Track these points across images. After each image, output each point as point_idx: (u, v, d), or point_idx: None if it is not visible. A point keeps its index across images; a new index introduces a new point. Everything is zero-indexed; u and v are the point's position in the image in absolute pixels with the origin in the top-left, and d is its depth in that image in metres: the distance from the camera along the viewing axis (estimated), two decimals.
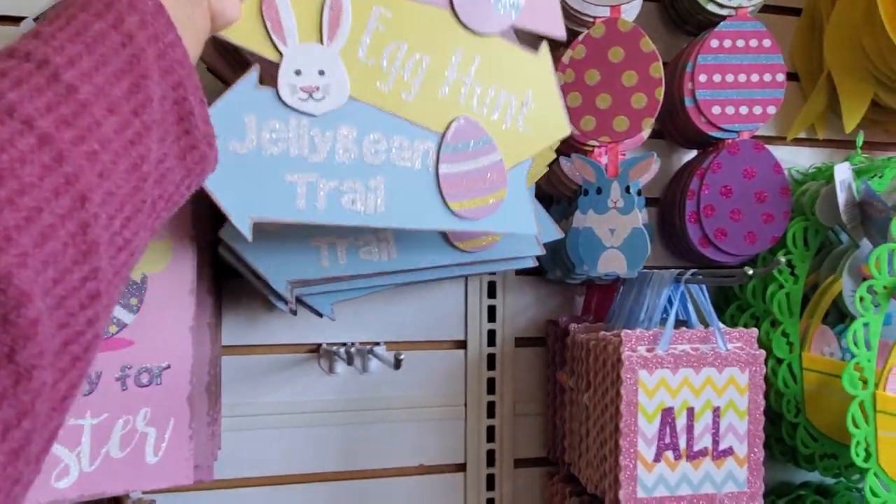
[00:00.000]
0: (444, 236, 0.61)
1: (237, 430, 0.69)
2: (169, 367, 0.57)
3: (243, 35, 0.49)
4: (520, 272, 0.76)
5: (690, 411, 0.62)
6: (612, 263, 0.67)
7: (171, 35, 0.36)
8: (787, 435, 0.73)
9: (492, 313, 0.76)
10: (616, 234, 0.67)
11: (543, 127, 0.57)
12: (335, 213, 0.53)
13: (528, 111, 0.57)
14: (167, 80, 0.36)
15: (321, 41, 0.51)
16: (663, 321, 0.64)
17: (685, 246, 0.74)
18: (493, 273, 0.75)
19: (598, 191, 0.67)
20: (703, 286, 0.64)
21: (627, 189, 0.66)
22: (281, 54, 0.50)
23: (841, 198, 0.70)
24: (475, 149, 0.56)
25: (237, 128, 0.51)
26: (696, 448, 0.62)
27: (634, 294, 0.68)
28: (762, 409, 0.63)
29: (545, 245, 0.65)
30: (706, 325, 0.64)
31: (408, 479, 0.74)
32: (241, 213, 0.51)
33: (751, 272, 0.55)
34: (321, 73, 0.51)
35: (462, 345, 0.75)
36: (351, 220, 0.53)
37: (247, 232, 0.51)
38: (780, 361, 0.72)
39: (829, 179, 0.71)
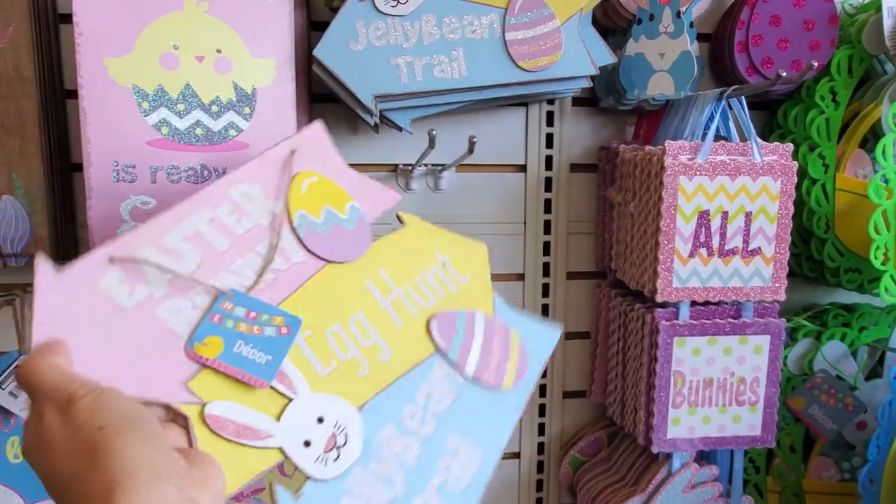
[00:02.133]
0: (510, 57, 0.69)
1: None
2: None
3: None
4: (575, 102, 0.84)
5: (725, 214, 0.70)
6: (660, 86, 0.73)
7: None
8: (816, 250, 0.81)
9: (549, 141, 0.84)
10: (665, 57, 0.73)
11: None
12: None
13: None
14: None
15: None
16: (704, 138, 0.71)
17: (733, 76, 0.80)
18: (552, 102, 0.83)
19: (651, 17, 0.72)
20: (744, 103, 0.70)
21: (678, 14, 0.72)
22: None
23: (888, 24, 0.73)
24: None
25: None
26: (727, 247, 0.71)
27: (680, 115, 0.74)
28: (791, 215, 0.70)
29: (601, 74, 0.71)
30: (745, 141, 0.71)
31: None
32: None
33: (784, 74, 0.61)
34: None
35: (522, 169, 0.84)
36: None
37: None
38: (814, 182, 0.79)
39: (879, 9, 0.75)
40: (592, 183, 0.86)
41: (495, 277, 0.86)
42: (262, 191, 0.53)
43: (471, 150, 0.65)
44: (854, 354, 0.85)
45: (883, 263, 0.71)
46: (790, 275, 0.83)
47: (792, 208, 0.70)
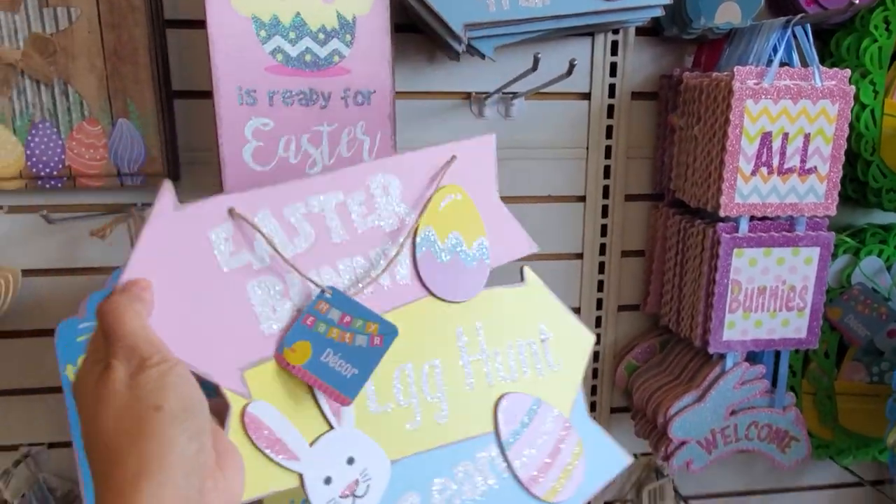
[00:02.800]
0: None
1: None
2: (374, 91, 0.74)
3: None
4: (638, 32, 0.88)
5: (785, 136, 0.76)
6: (728, 14, 0.78)
7: None
8: (861, 172, 0.87)
9: (613, 69, 0.89)
10: None
11: None
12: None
13: None
14: None
15: None
16: (769, 65, 0.76)
17: (791, 5, 0.84)
18: (617, 32, 0.87)
19: None
20: (808, 31, 0.75)
21: None
22: None
23: None
24: None
25: None
26: (786, 166, 0.77)
27: (743, 44, 0.79)
28: (846, 136, 0.76)
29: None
30: (805, 67, 0.76)
31: (539, 205, 0.92)
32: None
33: (857, 1, 0.66)
34: None
35: (587, 96, 0.90)
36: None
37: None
38: (864, 107, 0.84)
39: None
40: (652, 110, 0.92)
41: (559, 199, 0.93)
42: (401, 189, 0.51)
43: (569, 73, 0.70)
44: (889, 269, 0.93)
45: None
46: None
47: (847, 130, 0.76)
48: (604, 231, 0.94)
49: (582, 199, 0.93)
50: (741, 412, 0.85)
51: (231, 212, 0.44)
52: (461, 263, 0.52)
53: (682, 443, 0.85)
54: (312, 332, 0.46)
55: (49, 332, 0.86)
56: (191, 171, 0.83)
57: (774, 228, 0.80)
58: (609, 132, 0.91)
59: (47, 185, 0.76)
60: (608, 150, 0.92)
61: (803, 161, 0.77)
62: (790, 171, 0.77)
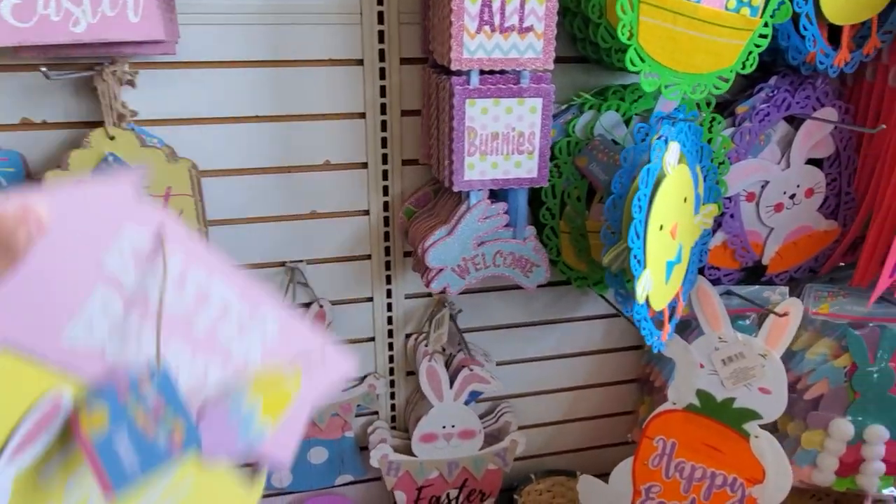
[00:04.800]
0: None
1: (191, 25, 0.95)
2: None
3: None
4: None
5: None
6: None
7: None
8: (593, 33, 1.00)
9: None
10: None
11: None
12: None
13: None
14: None
15: None
16: None
17: None
18: None
19: None
20: None
21: None
22: None
23: None
24: None
25: None
26: (506, 25, 0.89)
27: None
28: None
29: None
30: None
31: (318, 68, 1.02)
32: None
33: None
34: None
35: None
36: None
37: None
38: None
39: None
40: None
41: (336, 63, 1.03)
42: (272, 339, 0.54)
43: None
44: (627, 123, 1.08)
45: (628, 39, 0.92)
46: (582, 60, 1.03)
47: None
48: (383, 92, 1.06)
49: (360, 62, 1.03)
50: (488, 243, 1.01)
51: (160, 237, 0.43)
52: (239, 435, 0.51)
53: (440, 270, 1.01)
54: (118, 402, 0.41)
55: None
56: None
57: (503, 82, 0.93)
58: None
59: None
60: (381, 15, 1.02)
61: (521, 20, 0.89)
62: (510, 29, 0.89)
